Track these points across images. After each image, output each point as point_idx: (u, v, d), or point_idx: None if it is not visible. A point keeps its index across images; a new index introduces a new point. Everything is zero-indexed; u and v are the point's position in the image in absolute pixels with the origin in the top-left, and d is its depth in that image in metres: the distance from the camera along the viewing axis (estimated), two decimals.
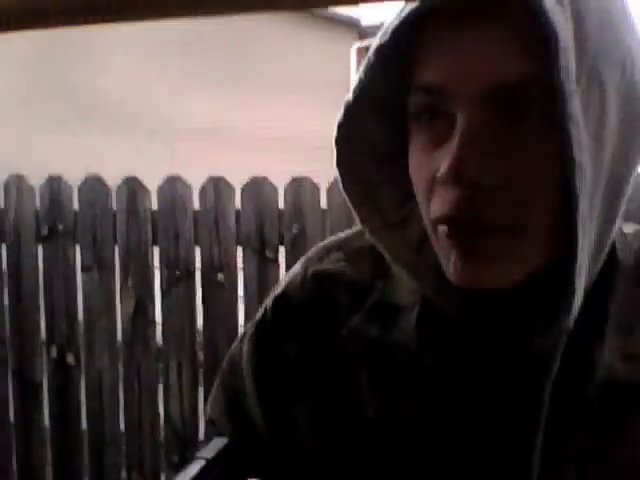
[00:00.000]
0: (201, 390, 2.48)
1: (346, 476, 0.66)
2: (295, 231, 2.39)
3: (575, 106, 0.52)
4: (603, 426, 0.59)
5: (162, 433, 2.52)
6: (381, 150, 0.66)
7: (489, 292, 0.60)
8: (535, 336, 0.61)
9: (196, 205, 2.46)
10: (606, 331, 0.61)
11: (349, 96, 0.62)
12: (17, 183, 2.59)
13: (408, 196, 0.64)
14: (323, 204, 2.38)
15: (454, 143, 0.55)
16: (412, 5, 0.56)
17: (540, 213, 0.56)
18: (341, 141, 0.64)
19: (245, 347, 0.76)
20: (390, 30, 0.58)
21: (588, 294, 0.58)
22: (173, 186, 2.47)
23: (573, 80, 0.52)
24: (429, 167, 0.58)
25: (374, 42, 0.60)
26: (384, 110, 0.64)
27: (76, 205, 2.56)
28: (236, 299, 2.45)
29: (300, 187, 2.39)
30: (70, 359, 2.61)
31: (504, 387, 0.62)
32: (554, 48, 0.52)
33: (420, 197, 0.61)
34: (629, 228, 0.67)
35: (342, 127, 0.63)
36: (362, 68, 0.61)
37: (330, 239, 0.77)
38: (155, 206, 2.50)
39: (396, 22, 0.58)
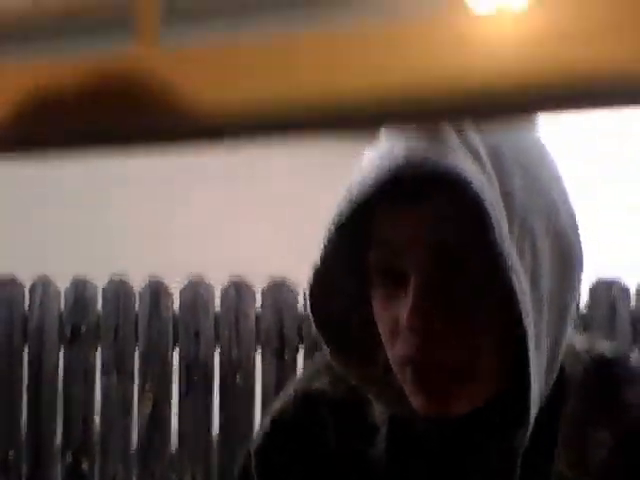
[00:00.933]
0: None
1: None
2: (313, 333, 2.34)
3: (513, 258, 0.62)
4: None
5: None
6: (348, 298, 0.75)
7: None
8: (493, 453, 0.71)
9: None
10: (558, 443, 0.70)
11: (321, 248, 0.70)
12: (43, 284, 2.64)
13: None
14: None
15: (410, 298, 0.65)
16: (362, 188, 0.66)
17: (491, 351, 0.67)
18: (315, 288, 0.73)
19: (254, 464, 0.82)
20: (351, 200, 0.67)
21: (541, 410, 0.67)
22: (195, 288, 2.48)
23: (507, 236, 0.62)
24: (391, 314, 0.68)
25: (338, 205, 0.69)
26: (351, 261, 0.72)
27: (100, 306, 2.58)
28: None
29: None
30: (85, 465, 2.54)
31: None
32: (488, 223, 0.61)
33: (385, 339, 0.70)
34: (582, 343, 0.76)
35: (316, 275, 0.72)
36: (326, 232, 0.70)
37: (317, 362, 0.86)
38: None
39: (355, 196, 0.66)
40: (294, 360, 2.36)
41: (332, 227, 0.69)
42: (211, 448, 2.41)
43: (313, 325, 0.74)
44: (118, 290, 2.55)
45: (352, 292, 0.75)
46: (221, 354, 2.41)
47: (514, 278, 0.61)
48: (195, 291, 2.46)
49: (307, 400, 0.81)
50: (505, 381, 0.69)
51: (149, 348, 2.48)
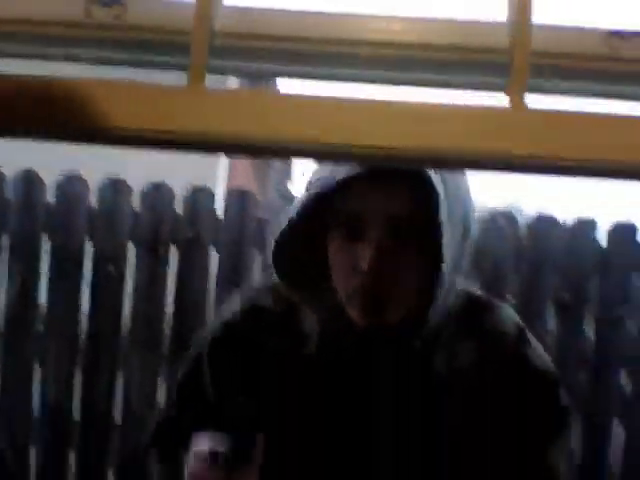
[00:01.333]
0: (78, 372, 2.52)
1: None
2: (189, 235, 2.51)
3: (445, 227, 0.91)
4: (433, 405, 0.99)
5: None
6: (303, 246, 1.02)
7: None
8: (394, 352, 1.00)
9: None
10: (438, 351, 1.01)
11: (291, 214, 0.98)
12: None
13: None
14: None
15: (368, 251, 0.93)
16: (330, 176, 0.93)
17: (414, 283, 0.97)
18: (280, 239, 1.00)
19: (206, 352, 1.08)
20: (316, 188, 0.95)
21: (430, 328, 0.98)
22: (71, 182, 2.54)
23: (445, 214, 0.91)
24: (348, 258, 0.96)
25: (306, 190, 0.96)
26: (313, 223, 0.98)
27: None
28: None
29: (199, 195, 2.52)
30: None
31: (383, 379, 1.00)
32: (435, 201, 0.89)
33: (338, 274, 0.98)
34: (461, 286, 1.04)
35: (284, 231, 0.98)
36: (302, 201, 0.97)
37: (261, 283, 1.16)
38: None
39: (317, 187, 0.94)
40: (167, 257, 2.51)
41: (308, 198, 0.96)
42: (79, 329, 2.53)
43: (271, 260, 1.00)
44: None
45: (307, 242, 1.01)
46: (94, 246, 2.51)
47: (444, 240, 0.91)
48: (71, 185, 2.52)
49: (253, 312, 1.06)
50: (415, 304, 0.98)
51: (20, 235, 2.53)
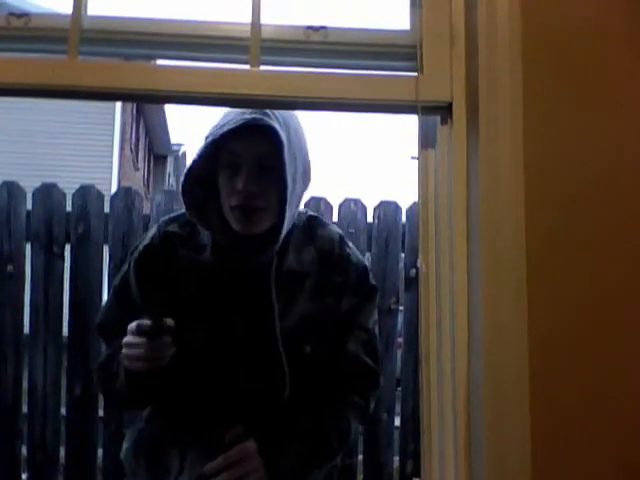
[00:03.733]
0: None
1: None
2: (80, 231, 2.74)
3: (292, 170, 1.36)
4: (287, 289, 1.43)
5: None
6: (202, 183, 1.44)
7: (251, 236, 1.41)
8: (262, 253, 1.43)
9: None
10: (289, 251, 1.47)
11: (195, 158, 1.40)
12: None
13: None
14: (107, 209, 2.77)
15: (243, 177, 1.36)
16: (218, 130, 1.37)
17: (276, 203, 1.39)
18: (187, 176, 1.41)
19: (132, 268, 1.48)
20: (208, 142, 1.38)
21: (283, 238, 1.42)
22: None
23: (291, 161, 1.36)
24: (231, 184, 1.38)
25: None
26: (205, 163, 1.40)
27: None
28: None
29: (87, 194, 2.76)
30: None
31: (255, 272, 1.42)
32: (281, 146, 1.34)
33: (226, 199, 1.40)
34: (302, 209, 1.54)
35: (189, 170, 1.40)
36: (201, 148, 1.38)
37: (170, 215, 1.53)
38: None
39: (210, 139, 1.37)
40: (62, 254, 2.73)
41: (205, 144, 1.36)
42: None
43: (180, 196, 1.40)
44: None
45: (205, 180, 1.41)
46: None
47: (288, 179, 1.35)
48: None
49: (165, 235, 1.47)
50: (275, 220, 1.40)
51: None
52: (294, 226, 1.46)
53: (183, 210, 1.45)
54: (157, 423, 1.47)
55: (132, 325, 1.30)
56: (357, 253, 1.53)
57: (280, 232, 1.38)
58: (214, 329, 1.40)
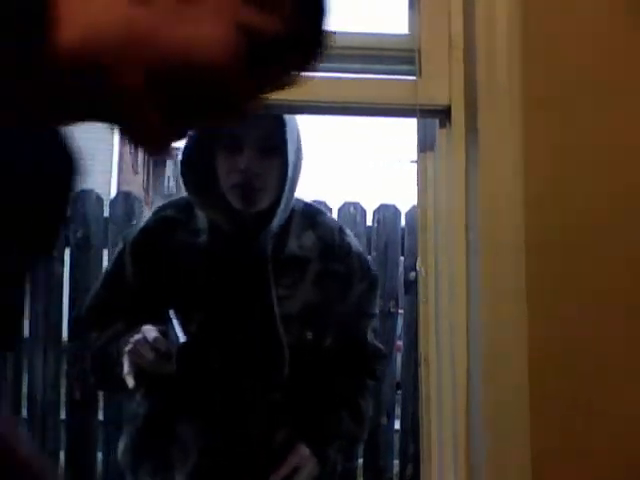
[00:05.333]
0: None
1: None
2: (80, 235, 2.74)
3: (292, 149, 1.39)
4: (289, 274, 1.43)
5: None
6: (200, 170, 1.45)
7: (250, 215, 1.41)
8: (260, 233, 1.42)
9: None
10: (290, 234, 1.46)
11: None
12: None
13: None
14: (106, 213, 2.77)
15: (244, 157, 1.37)
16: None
17: (275, 184, 1.40)
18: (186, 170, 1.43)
19: (127, 251, 1.45)
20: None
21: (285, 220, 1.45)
22: None
23: (293, 159, 1.40)
24: (232, 163, 1.38)
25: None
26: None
27: None
28: None
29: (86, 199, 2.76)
30: None
31: (254, 252, 1.41)
32: (283, 134, 1.38)
33: (225, 175, 1.40)
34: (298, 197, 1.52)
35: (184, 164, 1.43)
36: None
37: (169, 200, 1.53)
38: None
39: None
40: (61, 258, 2.74)
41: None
42: None
43: (180, 174, 1.42)
44: None
45: (202, 162, 1.42)
46: None
47: (290, 157, 1.38)
48: None
49: (161, 219, 1.46)
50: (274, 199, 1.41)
51: None
52: (294, 211, 1.47)
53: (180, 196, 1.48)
54: (154, 417, 1.45)
55: (150, 333, 1.27)
56: (356, 242, 1.55)
57: (277, 213, 1.40)
58: (212, 313, 1.39)
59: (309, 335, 1.41)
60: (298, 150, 1.44)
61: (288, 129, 1.39)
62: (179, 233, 1.44)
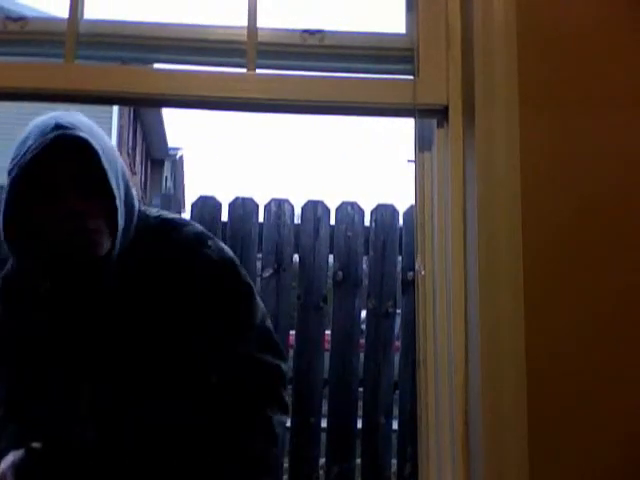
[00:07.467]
0: None
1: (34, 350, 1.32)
2: None
3: (114, 183, 1.21)
4: (138, 307, 1.27)
5: None
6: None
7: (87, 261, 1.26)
8: (100, 275, 1.28)
9: None
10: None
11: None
12: None
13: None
14: None
15: (68, 199, 1.18)
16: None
17: (108, 224, 1.22)
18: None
19: None
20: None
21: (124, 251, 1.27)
22: None
23: (113, 173, 1.22)
24: (56, 211, 1.19)
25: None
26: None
27: None
28: None
29: None
30: None
31: (95, 289, 1.29)
32: (98, 165, 1.19)
33: (54, 228, 1.21)
34: (153, 213, 1.35)
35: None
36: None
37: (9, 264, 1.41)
38: None
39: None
40: None
41: (11, 182, 1.20)
42: None
43: (4, 240, 1.23)
44: None
45: (23, 217, 1.24)
46: None
47: (115, 192, 1.20)
48: None
49: (5, 275, 1.39)
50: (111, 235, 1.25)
51: None
52: (143, 236, 1.30)
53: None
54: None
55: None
56: (222, 250, 1.35)
57: (114, 246, 1.24)
58: (63, 357, 1.31)
59: (176, 364, 1.26)
60: (120, 165, 1.28)
61: (103, 147, 1.23)
62: (27, 282, 1.35)
